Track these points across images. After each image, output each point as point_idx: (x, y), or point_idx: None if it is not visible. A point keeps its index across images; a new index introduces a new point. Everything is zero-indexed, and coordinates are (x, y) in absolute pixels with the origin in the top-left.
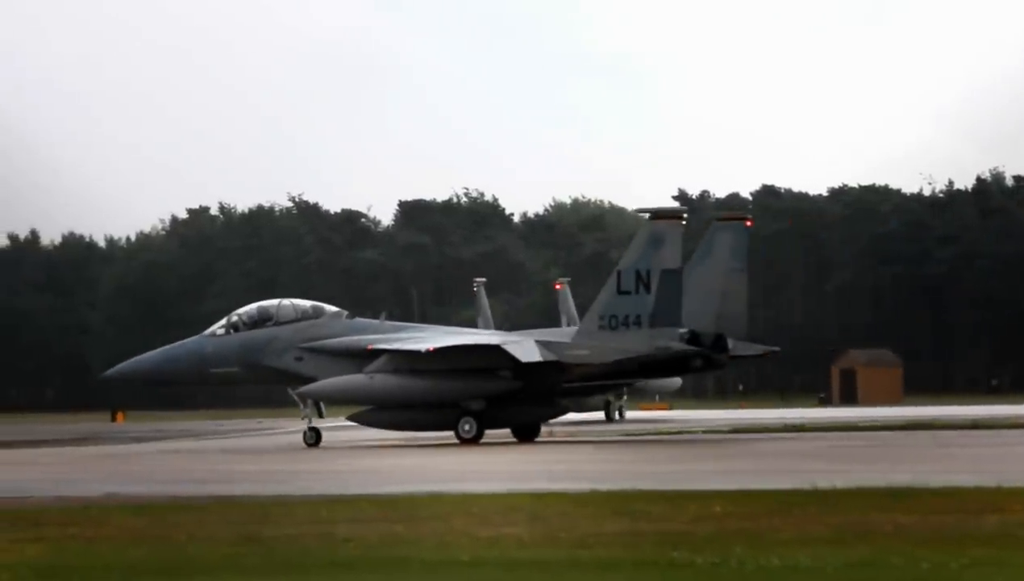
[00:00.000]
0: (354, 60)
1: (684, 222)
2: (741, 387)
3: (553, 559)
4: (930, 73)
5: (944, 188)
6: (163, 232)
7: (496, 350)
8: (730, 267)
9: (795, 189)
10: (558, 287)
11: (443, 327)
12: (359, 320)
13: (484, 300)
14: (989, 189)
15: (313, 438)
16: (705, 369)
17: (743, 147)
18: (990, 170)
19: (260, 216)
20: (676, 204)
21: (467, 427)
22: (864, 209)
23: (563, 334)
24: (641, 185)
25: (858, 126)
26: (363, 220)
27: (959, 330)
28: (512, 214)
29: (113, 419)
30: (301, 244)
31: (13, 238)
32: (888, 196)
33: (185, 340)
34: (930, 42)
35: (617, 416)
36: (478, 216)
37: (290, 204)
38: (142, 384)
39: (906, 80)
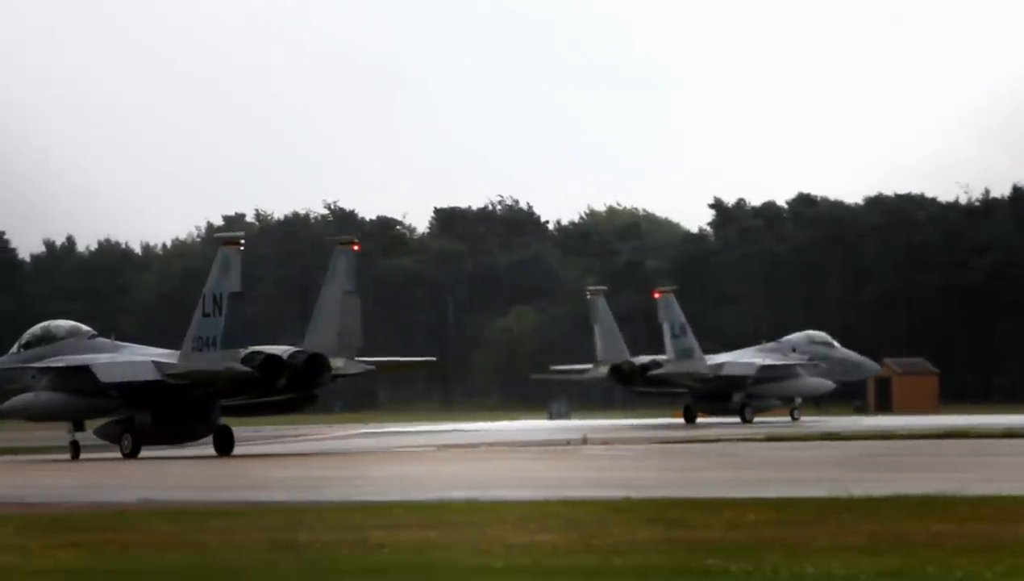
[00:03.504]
0: (390, 69)
1: (242, 248)
2: None
3: (587, 566)
4: (967, 82)
5: (980, 197)
6: (199, 239)
7: (86, 371)
8: (344, 289)
9: (831, 197)
10: (657, 296)
11: (142, 347)
12: (98, 340)
13: (600, 309)
14: None
15: (72, 451)
16: (295, 388)
17: (779, 155)
18: None
19: (295, 223)
20: (713, 213)
21: (126, 443)
22: (900, 218)
23: (177, 356)
24: (677, 193)
25: (894, 135)
26: (398, 227)
27: (996, 339)
28: (547, 222)
29: None
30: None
31: (49, 244)
32: (924, 205)
33: None
34: (968, 50)
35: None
36: (513, 224)
37: (326, 211)
38: None
39: (944, 89)
